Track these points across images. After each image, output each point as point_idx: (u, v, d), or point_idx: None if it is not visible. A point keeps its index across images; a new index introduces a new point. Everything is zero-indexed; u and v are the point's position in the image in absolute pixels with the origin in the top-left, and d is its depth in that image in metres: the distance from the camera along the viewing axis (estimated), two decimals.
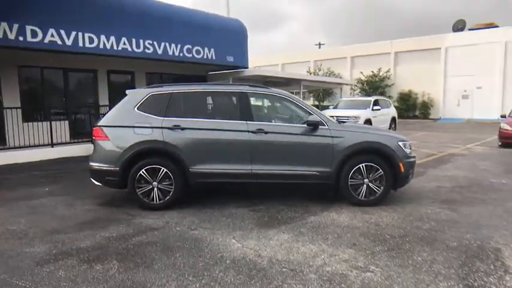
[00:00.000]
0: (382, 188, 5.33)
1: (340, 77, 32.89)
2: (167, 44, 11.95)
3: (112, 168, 5.14)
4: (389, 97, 27.37)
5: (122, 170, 5.11)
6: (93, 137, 5.33)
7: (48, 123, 10.06)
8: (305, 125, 5.31)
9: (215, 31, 13.48)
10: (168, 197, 5.17)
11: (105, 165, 5.18)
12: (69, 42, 9.65)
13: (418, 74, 30.60)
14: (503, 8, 65.34)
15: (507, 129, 12.56)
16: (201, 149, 5.17)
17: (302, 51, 40.55)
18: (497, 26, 29.50)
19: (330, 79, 25.36)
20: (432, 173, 7.94)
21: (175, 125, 5.16)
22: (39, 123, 10.15)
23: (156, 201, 5.16)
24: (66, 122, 11.45)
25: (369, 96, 21.98)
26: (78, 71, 12.17)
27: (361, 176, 5.30)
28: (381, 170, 5.28)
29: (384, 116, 16.47)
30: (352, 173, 5.28)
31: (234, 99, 5.43)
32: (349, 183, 5.30)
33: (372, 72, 32.25)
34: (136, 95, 5.40)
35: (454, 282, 3.14)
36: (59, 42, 9.49)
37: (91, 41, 10.10)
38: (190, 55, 12.73)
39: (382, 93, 29.04)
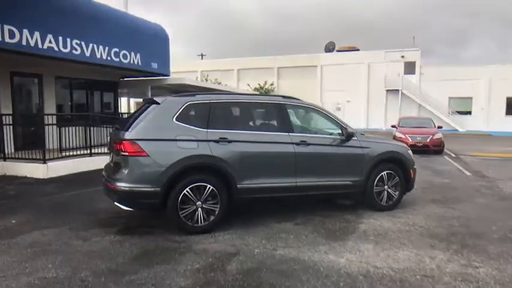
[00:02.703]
0: (397, 193, 5.85)
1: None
2: (95, 46, 10.47)
3: (152, 189, 4.35)
4: None
5: (163, 191, 4.38)
6: (123, 153, 4.40)
7: None
8: (340, 136, 5.48)
9: (141, 35, 12.40)
10: (213, 218, 4.64)
11: (141, 186, 4.35)
12: None
13: (298, 88, 33.65)
14: (364, 34, 77.45)
15: (400, 137, 14.97)
16: (249, 163, 4.82)
17: (188, 61, 40.27)
18: (358, 49, 34.84)
19: (240, 91, 25.88)
20: None
21: (222, 138, 4.69)
22: None
23: (201, 223, 4.58)
24: None
25: None
26: None
27: (381, 183, 5.72)
28: (397, 177, 5.80)
29: None
30: (377, 181, 5.67)
31: (274, 110, 5.23)
32: (374, 190, 5.67)
33: (259, 85, 34.14)
34: (171, 104, 4.70)
35: None
36: None
37: (12, 35, 8.16)
38: (118, 59, 11.41)
39: None
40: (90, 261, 3.76)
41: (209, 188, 4.58)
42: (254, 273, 3.52)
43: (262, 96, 5.43)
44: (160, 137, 4.49)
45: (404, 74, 30.95)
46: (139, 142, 4.37)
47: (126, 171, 4.38)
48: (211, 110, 4.82)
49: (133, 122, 4.69)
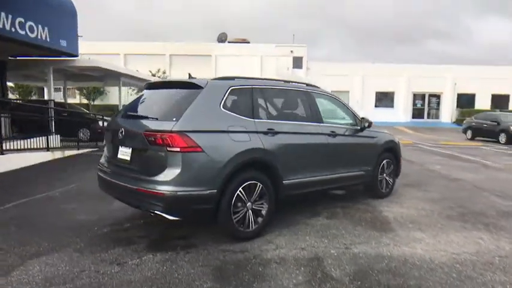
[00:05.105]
0: (391, 180, 6.16)
1: None
2: None
3: (207, 192, 3.57)
4: None
5: (219, 192, 3.66)
6: (172, 149, 3.47)
7: None
8: (354, 126, 5.45)
9: (47, 5, 10.22)
10: (261, 220, 4.10)
11: (195, 189, 3.52)
12: None
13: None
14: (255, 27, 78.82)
15: None
16: (293, 156, 4.40)
17: None
18: (248, 42, 35.64)
19: (148, 77, 23.58)
20: None
21: (269, 129, 4.15)
22: None
23: (251, 227, 4.00)
24: None
25: None
26: None
27: (382, 171, 5.94)
28: (393, 165, 6.11)
29: None
30: (380, 170, 5.86)
31: (307, 99, 4.86)
32: (378, 178, 5.85)
33: (150, 72, 31.95)
34: (215, 89, 3.92)
35: None
36: None
37: None
38: (24, 32, 9.16)
39: None
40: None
41: (259, 186, 4.02)
42: (366, 276, 3.23)
43: (291, 83, 4.98)
44: (212, 128, 3.72)
45: (293, 68, 32.99)
46: (190, 134, 3.53)
47: (176, 172, 3.46)
48: (254, 97, 4.22)
49: (157, 109, 3.84)
